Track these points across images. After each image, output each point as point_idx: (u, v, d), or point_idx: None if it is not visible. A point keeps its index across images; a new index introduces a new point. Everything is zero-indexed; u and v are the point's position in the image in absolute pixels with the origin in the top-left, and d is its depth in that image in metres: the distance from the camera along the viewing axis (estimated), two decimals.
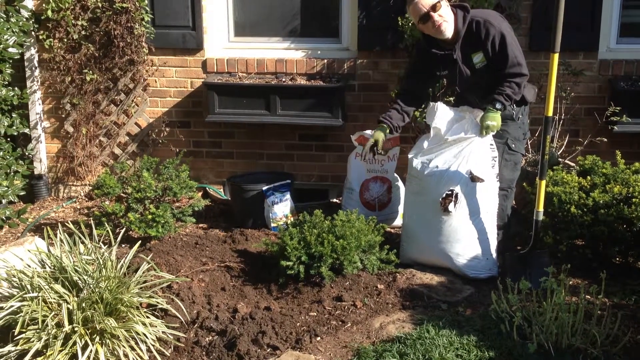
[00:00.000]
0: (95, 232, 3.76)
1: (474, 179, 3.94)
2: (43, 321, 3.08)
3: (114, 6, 5.28)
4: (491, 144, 4.01)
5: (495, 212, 4.07)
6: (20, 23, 5.33)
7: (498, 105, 3.91)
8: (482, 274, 4.01)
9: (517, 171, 4.22)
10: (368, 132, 4.89)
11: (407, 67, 4.67)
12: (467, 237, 4.00)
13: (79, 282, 3.32)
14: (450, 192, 3.96)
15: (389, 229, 4.75)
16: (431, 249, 4.11)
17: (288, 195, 4.96)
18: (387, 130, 4.28)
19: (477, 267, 4.01)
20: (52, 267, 3.48)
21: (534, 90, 4.16)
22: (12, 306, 3.19)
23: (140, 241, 4.15)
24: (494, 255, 4.06)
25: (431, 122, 4.08)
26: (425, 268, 4.15)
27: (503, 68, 3.91)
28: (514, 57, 3.88)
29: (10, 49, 5.27)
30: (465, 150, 3.97)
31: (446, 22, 3.89)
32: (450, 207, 3.94)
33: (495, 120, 3.91)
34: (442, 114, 4.07)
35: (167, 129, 5.66)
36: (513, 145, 4.10)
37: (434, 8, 3.84)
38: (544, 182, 3.86)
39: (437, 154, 4.06)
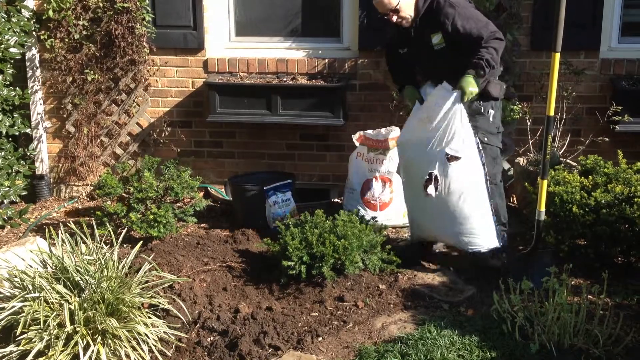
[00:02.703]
0: (96, 232, 3.76)
1: (449, 159, 3.88)
2: (45, 321, 3.08)
3: (115, 6, 5.28)
4: (463, 118, 3.90)
5: (484, 183, 3.94)
6: (22, 23, 5.33)
7: (480, 71, 3.78)
8: (482, 248, 4.00)
9: (498, 165, 4.12)
10: (369, 131, 4.89)
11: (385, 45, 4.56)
12: (459, 216, 3.96)
13: (81, 282, 3.33)
14: (429, 176, 3.92)
15: (390, 229, 4.74)
16: (430, 230, 4.18)
17: (289, 195, 4.96)
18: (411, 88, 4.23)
19: (475, 242, 4.00)
20: (53, 268, 3.48)
21: (501, 86, 4.04)
22: (13, 306, 3.19)
23: (141, 241, 4.15)
24: (493, 227, 3.99)
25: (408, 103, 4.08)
26: (426, 269, 4.16)
27: (476, 43, 3.81)
28: (482, 27, 3.80)
29: (11, 49, 5.27)
30: (441, 130, 3.88)
31: (405, 19, 3.92)
32: (430, 190, 3.91)
33: (475, 86, 3.79)
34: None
35: (168, 128, 5.66)
36: (485, 139, 3.99)
37: (394, 11, 3.89)
38: (545, 182, 3.85)
39: (418, 135, 4.03)
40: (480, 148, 3.91)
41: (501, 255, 4.08)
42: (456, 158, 3.86)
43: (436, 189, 3.90)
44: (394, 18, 3.92)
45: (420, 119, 4.04)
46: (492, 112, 4.01)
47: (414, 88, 4.20)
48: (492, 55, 3.78)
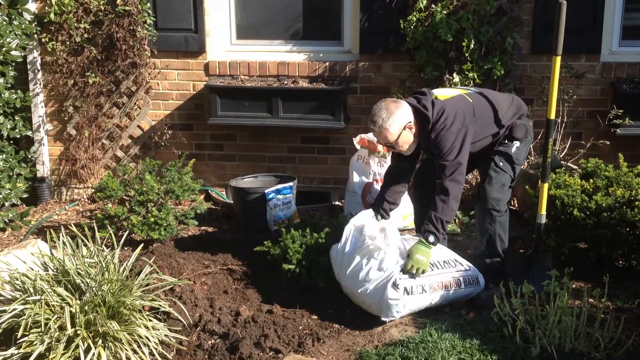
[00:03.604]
0: (97, 234, 3.76)
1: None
2: (46, 324, 3.08)
3: (117, 9, 5.29)
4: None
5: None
6: (23, 26, 5.34)
7: (431, 239, 3.60)
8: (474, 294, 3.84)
9: (505, 193, 3.84)
10: (370, 134, 4.89)
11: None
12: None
13: (82, 285, 3.33)
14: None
15: None
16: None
17: (290, 198, 4.96)
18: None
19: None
20: (54, 270, 3.48)
21: (526, 127, 3.90)
22: (15, 309, 3.19)
23: (142, 244, 4.15)
24: (476, 274, 3.83)
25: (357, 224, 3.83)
26: None
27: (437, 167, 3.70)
28: (446, 163, 3.63)
29: (13, 52, 5.28)
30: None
31: (402, 148, 3.77)
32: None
33: (426, 256, 3.58)
34: (366, 221, 3.82)
35: (169, 131, 5.66)
36: (501, 164, 3.81)
37: (391, 146, 3.78)
38: (546, 185, 3.85)
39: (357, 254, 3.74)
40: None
41: (492, 286, 3.83)
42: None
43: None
44: (392, 150, 3.87)
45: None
46: (517, 143, 3.86)
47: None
48: (440, 216, 3.61)
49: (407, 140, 3.72)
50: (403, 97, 5.01)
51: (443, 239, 3.83)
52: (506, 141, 3.87)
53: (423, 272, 3.57)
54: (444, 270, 3.69)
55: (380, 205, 4.03)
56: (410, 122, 3.68)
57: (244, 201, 5.00)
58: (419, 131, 3.72)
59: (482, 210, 3.86)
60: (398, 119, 3.65)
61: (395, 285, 3.52)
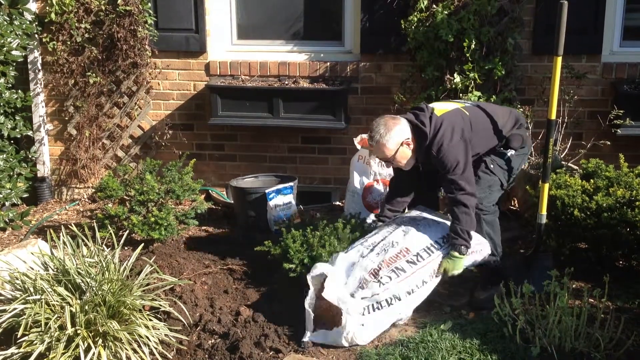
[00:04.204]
0: (98, 234, 3.77)
1: None
2: (46, 324, 3.09)
3: (117, 9, 5.29)
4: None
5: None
6: (24, 26, 5.34)
7: (464, 250, 3.62)
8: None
9: (491, 194, 3.86)
10: None
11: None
12: None
13: (82, 284, 3.33)
14: None
15: None
16: None
17: (291, 198, 4.95)
18: None
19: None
20: (55, 270, 3.49)
21: (522, 137, 3.89)
22: (15, 309, 3.20)
23: (143, 244, 4.15)
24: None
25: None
26: None
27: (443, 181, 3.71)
28: (455, 178, 3.63)
29: (13, 52, 5.28)
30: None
31: (400, 163, 3.77)
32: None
33: (460, 267, 3.66)
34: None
35: (170, 131, 5.66)
36: (492, 166, 3.84)
37: (389, 161, 3.79)
38: (547, 185, 3.85)
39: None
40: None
41: (487, 286, 3.89)
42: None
43: None
44: (388, 165, 3.88)
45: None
46: (512, 152, 3.88)
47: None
48: (465, 229, 3.60)
49: (404, 155, 3.73)
50: (403, 100, 5.04)
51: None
52: (502, 149, 3.89)
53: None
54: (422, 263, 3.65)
55: (382, 214, 4.09)
56: (408, 138, 3.70)
57: (245, 201, 5.00)
58: (417, 147, 3.74)
59: None
60: (395, 135, 3.66)
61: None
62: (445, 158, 3.63)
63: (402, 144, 3.68)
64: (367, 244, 3.73)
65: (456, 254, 3.62)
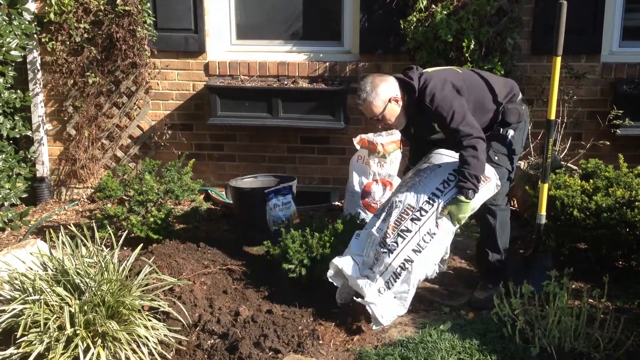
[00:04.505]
0: (97, 234, 3.76)
1: None
2: (45, 324, 3.08)
3: (116, 9, 5.29)
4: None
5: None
6: (23, 26, 5.34)
7: (471, 195, 3.55)
8: None
9: (502, 187, 3.77)
10: (370, 135, 4.89)
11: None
12: None
13: (81, 285, 3.32)
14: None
15: None
16: None
17: (290, 198, 4.95)
18: None
19: None
20: (54, 270, 3.48)
21: (519, 110, 3.83)
22: (14, 309, 3.19)
23: (142, 244, 4.14)
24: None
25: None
26: None
27: (452, 139, 3.65)
28: (457, 126, 3.58)
29: (12, 52, 5.28)
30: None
31: (389, 121, 3.75)
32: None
33: (467, 211, 3.61)
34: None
35: (169, 131, 5.66)
36: (496, 158, 3.77)
37: (378, 119, 3.76)
38: (546, 186, 3.85)
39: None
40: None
41: (487, 286, 3.87)
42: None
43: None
44: (379, 124, 3.83)
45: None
46: (511, 132, 3.81)
47: None
48: (475, 164, 3.54)
49: (393, 113, 3.71)
50: None
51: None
52: (500, 129, 3.82)
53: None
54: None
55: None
56: (396, 95, 3.69)
57: (244, 201, 4.99)
58: (408, 104, 3.72)
59: (481, 206, 3.85)
60: (382, 92, 3.66)
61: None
62: (441, 108, 3.59)
63: (390, 101, 3.67)
64: (377, 212, 3.83)
65: (462, 197, 3.57)
